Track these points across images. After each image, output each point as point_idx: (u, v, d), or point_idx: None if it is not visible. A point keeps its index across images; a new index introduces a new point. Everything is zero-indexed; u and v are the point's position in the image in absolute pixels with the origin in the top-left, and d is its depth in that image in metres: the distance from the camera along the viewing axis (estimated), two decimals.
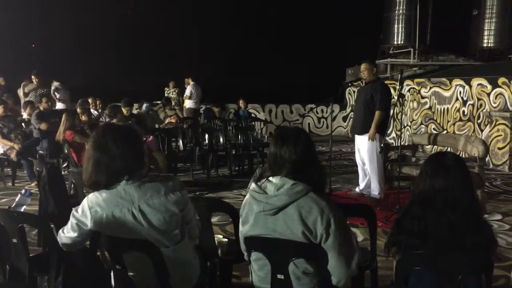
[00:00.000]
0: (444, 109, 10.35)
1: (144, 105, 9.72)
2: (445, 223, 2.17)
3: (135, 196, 2.27)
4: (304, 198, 2.17)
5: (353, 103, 10.75)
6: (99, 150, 2.27)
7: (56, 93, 10.29)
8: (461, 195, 2.19)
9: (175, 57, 16.32)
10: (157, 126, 9.33)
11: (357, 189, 6.49)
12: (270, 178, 2.26)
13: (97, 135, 2.34)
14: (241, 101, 11.24)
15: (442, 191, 2.20)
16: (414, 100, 11.34)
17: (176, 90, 12.77)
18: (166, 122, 10.24)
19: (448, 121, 10.17)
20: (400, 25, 14.09)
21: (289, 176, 2.21)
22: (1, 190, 6.76)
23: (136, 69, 16.36)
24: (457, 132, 9.55)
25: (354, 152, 6.55)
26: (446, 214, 2.18)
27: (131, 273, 2.36)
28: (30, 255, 2.81)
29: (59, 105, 10.11)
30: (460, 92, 9.89)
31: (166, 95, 12.63)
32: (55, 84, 10.56)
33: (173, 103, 12.14)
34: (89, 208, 2.28)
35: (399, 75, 6.26)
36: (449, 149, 7.04)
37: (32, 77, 10.44)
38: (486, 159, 7.58)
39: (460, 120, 9.79)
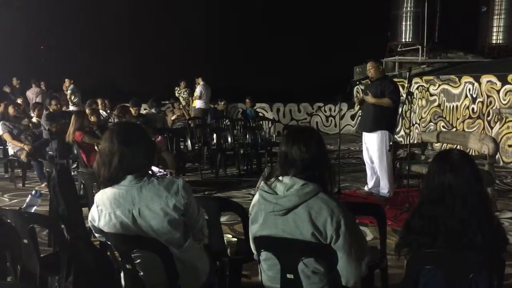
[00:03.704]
0: (453, 106, 10.27)
1: (154, 109, 9.76)
2: (455, 219, 2.16)
3: (136, 198, 2.30)
4: (314, 199, 2.15)
5: None
6: (110, 144, 2.31)
7: (72, 96, 10.39)
8: (470, 189, 2.18)
9: (184, 57, 16.37)
10: None
11: (365, 188, 6.46)
12: (280, 178, 2.24)
13: (111, 132, 2.39)
14: (247, 100, 11.23)
15: (450, 187, 2.19)
16: (423, 97, 11.27)
17: (187, 90, 12.79)
18: (173, 118, 10.32)
19: (458, 119, 10.10)
20: (408, 23, 14.01)
21: (299, 176, 2.19)
22: (11, 191, 6.82)
23: (145, 69, 16.42)
24: (466, 130, 9.47)
25: (362, 151, 6.52)
26: (456, 210, 2.17)
27: (141, 273, 2.37)
28: (41, 256, 2.84)
29: (73, 108, 10.21)
30: (469, 90, 9.81)
31: (177, 95, 12.66)
32: (70, 87, 10.64)
33: (183, 103, 12.18)
34: (96, 206, 2.36)
35: (408, 73, 6.23)
36: (458, 147, 6.99)
37: (33, 85, 10.68)
38: (496, 156, 7.52)
39: (470, 117, 9.72)
